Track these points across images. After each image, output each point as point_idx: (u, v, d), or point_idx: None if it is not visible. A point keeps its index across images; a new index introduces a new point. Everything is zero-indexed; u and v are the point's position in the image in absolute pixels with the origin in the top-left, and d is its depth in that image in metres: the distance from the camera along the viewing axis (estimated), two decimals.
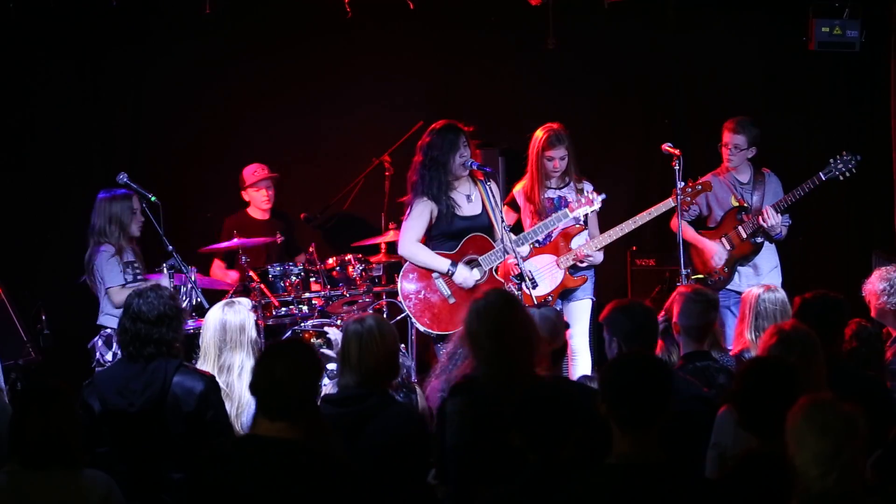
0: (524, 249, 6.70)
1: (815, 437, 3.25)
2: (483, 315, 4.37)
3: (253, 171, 8.08)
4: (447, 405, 4.31)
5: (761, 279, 7.28)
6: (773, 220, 7.16)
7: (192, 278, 6.62)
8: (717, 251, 7.32)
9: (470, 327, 4.40)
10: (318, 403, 4.27)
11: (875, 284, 6.07)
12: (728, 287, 7.33)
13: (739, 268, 7.36)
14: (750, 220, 7.27)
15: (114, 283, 6.71)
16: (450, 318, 6.52)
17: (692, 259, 7.37)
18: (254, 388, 3.73)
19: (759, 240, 7.31)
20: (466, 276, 6.57)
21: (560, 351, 4.79)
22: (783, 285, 6.89)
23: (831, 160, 7.20)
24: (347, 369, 4.46)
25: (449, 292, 6.61)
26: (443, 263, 6.58)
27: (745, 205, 7.32)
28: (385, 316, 7.23)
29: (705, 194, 7.30)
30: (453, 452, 4.23)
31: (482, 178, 6.68)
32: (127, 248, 6.81)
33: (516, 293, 6.71)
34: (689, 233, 7.31)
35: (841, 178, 7.20)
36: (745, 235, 7.30)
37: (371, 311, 7.33)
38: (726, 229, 7.35)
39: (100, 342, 6.74)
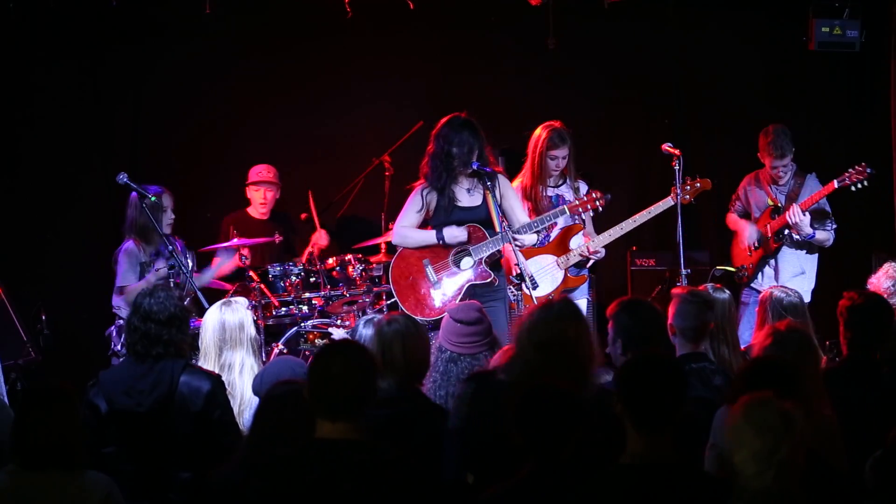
0: (531, 238, 6.66)
1: (752, 434, 3.28)
2: (537, 325, 4.20)
3: (258, 171, 8.10)
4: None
5: (780, 282, 7.29)
6: (797, 217, 7.15)
7: (191, 267, 6.67)
8: (748, 230, 7.44)
9: (520, 333, 4.25)
10: None
11: (881, 281, 6.07)
12: (751, 285, 7.38)
13: (765, 268, 7.39)
14: (778, 219, 7.30)
15: (124, 281, 6.80)
16: (434, 304, 6.54)
17: (731, 250, 7.57)
18: (312, 390, 3.65)
19: (782, 239, 7.32)
20: (456, 233, 6.51)
21: None
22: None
23: (849, 170, 7.17)
24: (389, 370, 4.40)
25: (436, 279, 6.59)
26: (430, 235, 6.55)
27: (779, 205, 7.35)
28: (386, 313, 7.24)
29: (745, 194, 7.52)
30: (450, 434, 4.24)
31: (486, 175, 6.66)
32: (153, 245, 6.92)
33: (515, 293, 6.73)
34: (732, 220, 7.64)
35: (853, 188, 7.19)
36: (769, 234, 7.33)
37: (371, 311, 7.37)
38: (760, 228, 7.44)
39: (115, 331, 6.79)
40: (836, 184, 7.16)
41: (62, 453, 3.89)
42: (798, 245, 7.39)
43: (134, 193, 6.86)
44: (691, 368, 4.75)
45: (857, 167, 7.13)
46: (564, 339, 4.14)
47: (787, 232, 7.32)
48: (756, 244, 7.41)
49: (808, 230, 7.21)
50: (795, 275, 7.38)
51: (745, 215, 7.61)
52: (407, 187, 6.78)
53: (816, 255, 7.48)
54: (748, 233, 7.45)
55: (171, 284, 6.79)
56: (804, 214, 7.16)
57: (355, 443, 3.57)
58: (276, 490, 3.58)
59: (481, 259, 6.57)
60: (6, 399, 5.85)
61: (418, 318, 6.52)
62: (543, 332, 4.15)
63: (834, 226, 7.38)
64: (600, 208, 6.81)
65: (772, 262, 7.41)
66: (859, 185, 7.18)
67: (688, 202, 6.97)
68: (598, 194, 6.82)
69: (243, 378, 5.24)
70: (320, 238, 8.03)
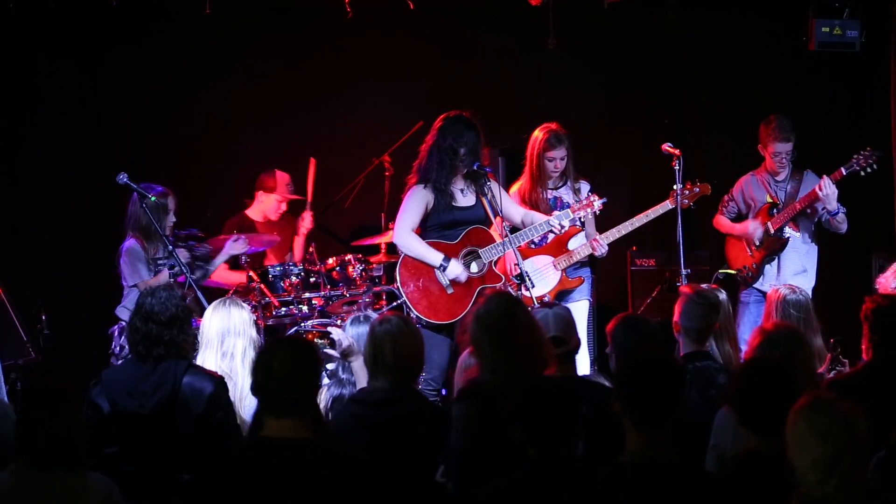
0: (565, 221, 6.69)
1: (815, 441, 3.21)
2: (484, 322, 4.35)
3: (287, 183, 8.01)
4: (453, 409, 4.32)
5: (781, 281, 7.27)
6: (829, 188, 7.04)
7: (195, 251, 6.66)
8: (750, 226, 7.35)
9: (472, 334, 4.38)
10: (346, 404, 4.33)
11: (889, 281, 6.05)
12: (754, 285, 7.35)
13: (767, 266, 7.36)
14: (779, 216, 7.27)
15: (134, 279, 6.76)
16: (446, 308, 6.50)
17: (726, 254, 7.52)
18: (255, 386, 3.68)
19: (786, 235, 7.31)
20: (458, 271, 6.49)
21: (574, 350, 4.74)
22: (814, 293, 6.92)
23: (854, 155, 7.18)
24: (381, 370, 4.43)
25: (447, 282, 6.56)
26: (436, 257, 6.51)
27: (778, 202, 7.32)
28: (385, 311, 7.22)
29: (741, 193, 7.45)
30: (457, 456, 4.25)
31: (483, 176, 6.65)
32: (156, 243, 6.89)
33: (515, 293, 6.72)
34: (724, 224, 7.54)
35: (862, 173, 7.18)
36: (772, 231, 7.29)
37: (371, 311, 7.37)
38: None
39: (117, 331, 6.77)
40: (843, 170, 7.13)
41: (65, 453, 3.88)
42: (799, 242, 7.37)
43: (135, 193, 6.85)
44: (695, 367, 4.77)
45: (862, 152, 7.13)
46: (515, 331, 4.32)
47: (787, 230, 7.30)
48: (760, 241, 7.37)
49: (836, 204, 7.13)
50: (797, 273, 7.35)
51: (739, 218, 7.53)
52: (405, 179, 6.77)
53: (816, 253, 7.45)
54: (751, 228, 7.37)
55: (174, 283, 6.79)
56: (833, 187, 7.07)
57: (300, 441, 3.57)
58: (219, 490, 3.59)
59: (491, 261, 6.57)
60: (6, 399, 5.85)
61: (433, 321, 6.49)
62: (495, 328, 4.33)
63: (844, 209, 7.28)
64: (597, 211, 6.88)
65: (774, 260, 7.37)
66: (868, 170, 7.16)
67: (687, 206, 6.95)
68: (596, 197, 6.88)
69: (245, 366, 5.22)
70: (305, 221, 8.01)
